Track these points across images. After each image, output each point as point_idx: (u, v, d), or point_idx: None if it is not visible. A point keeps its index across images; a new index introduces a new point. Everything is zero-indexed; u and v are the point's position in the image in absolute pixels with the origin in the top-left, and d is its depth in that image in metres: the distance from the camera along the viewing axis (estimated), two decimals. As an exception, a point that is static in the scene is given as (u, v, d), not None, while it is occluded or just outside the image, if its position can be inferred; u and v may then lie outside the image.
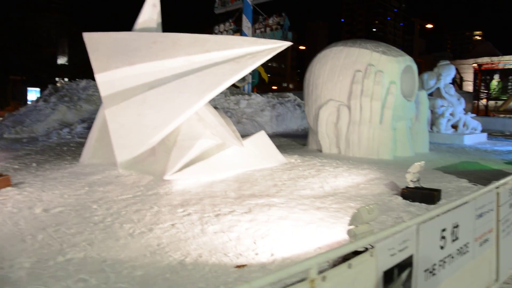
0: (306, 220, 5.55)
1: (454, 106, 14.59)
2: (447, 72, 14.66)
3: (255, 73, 19.55)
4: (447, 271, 2.81)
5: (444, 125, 14.44)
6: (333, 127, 11.70)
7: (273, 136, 15.74)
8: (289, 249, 4.62)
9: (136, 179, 7.82)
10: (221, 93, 17.59)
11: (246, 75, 19.33)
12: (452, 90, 14.77)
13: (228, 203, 6.48)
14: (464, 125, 14.94)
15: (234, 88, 19.05)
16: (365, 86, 11.16)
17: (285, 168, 8.69)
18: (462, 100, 14.80)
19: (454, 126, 15.21)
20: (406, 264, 2.41)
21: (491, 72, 38.93)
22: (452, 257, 2.85)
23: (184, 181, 7.50)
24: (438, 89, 14.93)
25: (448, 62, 15.24)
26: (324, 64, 11.98)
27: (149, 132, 8.07)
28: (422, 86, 15.14)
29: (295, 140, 14.53)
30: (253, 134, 9.13)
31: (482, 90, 37.84)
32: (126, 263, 4.25)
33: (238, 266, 4.13)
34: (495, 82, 39.20)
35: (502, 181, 3.58)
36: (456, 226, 2.85)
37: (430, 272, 2.63)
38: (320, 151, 11.99)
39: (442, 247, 2.72)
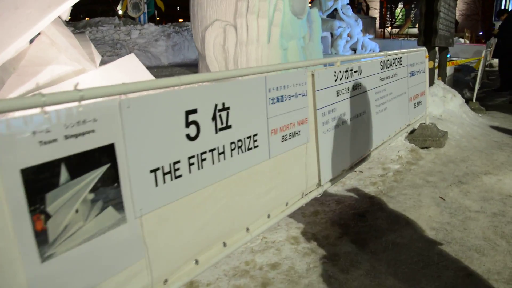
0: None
1: (352, 27, 13.92)
2: (344, -8, 13.85)
3: (150, 2, 17.59)
4: (215, 172, 1.89)
5: (342, 46, 13.81)
6: (221, 49, 10.55)
7: (168, 67, 14.35)
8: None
9: (-30, 113, 6.35)
10: (111, 23, 15.61)
11: (141, 5, 17.33)
12: (349, 11, 14.03)
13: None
14: (363, 47, 14.41)
15: (130, 20, 17.10)
16: (251, 3, 10.00)
17: (155, 92, 7.55)
18: (360, 21, 14.16)
19: (354, 49, 14.66)
20: (98, 159, 1.43)
21: (395, 0, 39.04)
22: (221, 153, 1.92)
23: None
24: (336, 10, 14.14)
25: (345, -18, 14.36)
26: (208, -19, 10.55)
27: (-21, 56, 6.45)
28: (320, 7, 14.27)
29: (189, 69, 13.26)
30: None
31: (387, 19, 38.10)
32: None
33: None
34: (399, 9, 39.54)
35: (323, 60, 2.69)
36: (224, 109, 1.90)
37: (167, 173, 1.68)
38: (210, 77, 10.86)
39: (191, 137, 1.76)
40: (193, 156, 1.78)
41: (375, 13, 37.95)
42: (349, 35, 14.01)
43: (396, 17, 38.29)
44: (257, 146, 2.12)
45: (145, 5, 16.96)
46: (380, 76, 3.56)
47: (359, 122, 3.18)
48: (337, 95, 2.81)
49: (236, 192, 2.05)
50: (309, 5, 11.64)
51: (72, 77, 7.44)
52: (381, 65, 3.58)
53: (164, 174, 1.67)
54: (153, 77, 9.32)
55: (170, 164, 1.69)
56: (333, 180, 2.85)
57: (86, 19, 17.80)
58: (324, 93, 2.63)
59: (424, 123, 4.99)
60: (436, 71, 6.81)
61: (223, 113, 1.90)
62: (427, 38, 5.82)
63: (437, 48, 6.42)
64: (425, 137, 4.87)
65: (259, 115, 2.13)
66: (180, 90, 1.71)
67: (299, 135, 2.44)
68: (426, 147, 4.89)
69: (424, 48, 4.76)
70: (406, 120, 4.38)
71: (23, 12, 6.94)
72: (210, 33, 10.41)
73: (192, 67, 14.01)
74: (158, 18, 29.24)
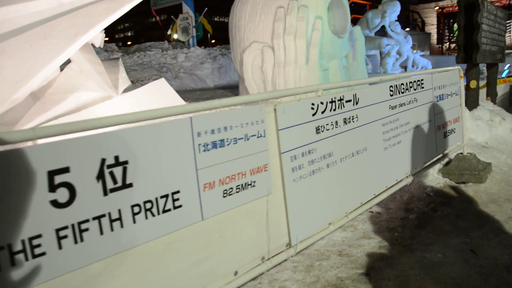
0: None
1: (401, 45, 13.02)
2: (392, 8, 13.02)
3: (198, 25, 17.74)
4: (106, 244, 1.43)
5: (390, 64, 12.93)
6: (259, 71, 10.22)
7: (213, 89, 14.24)
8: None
9: None
10: (160, 48, 15.87)
11: (190, 29, 17.52)
12: (398, 27, 13.15)
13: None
14: (413, 64, 13.44)
15: (180, 43, 17.31)
16: (288, 23, 9.62)
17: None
18: (410, 38, 13.22)
19: (404, 67, 13.73)
20: None
21: (453, 15, 36.53)
22: (116, 220, 1.46)
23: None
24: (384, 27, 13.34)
25: (393, -2, 13.55)
26: (245, 4, 10.34)
27: (10, 87, 6.52)
28: (367, 25, 13.57)
29: (232, 91, 13.04)
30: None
31: (445, 34, 35.96)
32: None
33: None
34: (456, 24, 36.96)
35: (293, 90, 2.19)
36: (119, 164, 1.45)
37: (19, 252, 1.25)
38: (249, 99, 10.51)
39: (60, 204, 1.33)
40: (64, 227, 1.34)
41: (432, 28, 35.83)
42: (399, 53, 13.12)
43: (454, 32, 35.91)
44: (179, 206, 1.64)
45: (194, 29, 17.13)
46: (390, 104, 2.95)
47: (356, 162, 2.59)
48: (318, 132, 2.26)
49: (147, 266, 1.57)
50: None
51: (99, 103, 7.29)
52: (391, 91, 2.97)
53: (13, 254, 1.24)
54: (183, 102, 9.07)
55: (23, 241, 1.26)
56: (313, 237, 2.28)
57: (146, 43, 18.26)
58: (293, 131, 2.10)
59: (461, 153, 4.22)
60: (485, 90, 5.93)
61: (117, 169, 1.45)
62: (467, 54, 5.04)
63: (482, 65, 5.59)
64: (461, 170, 4.09)
65: (183, 166, 1.65)
66: (37, 146, 1.29)
67: (253, 186, 1.93)
68: (463, 182, 4.11)
69: (457, 67, 4.03)
70: (433, 152, 3.67)
71: (50, 41, 6.92)
72: (248, 55, 10.14)
73: (235, 88, 13.80)
74: (213, 41, 29.76)
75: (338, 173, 2.43)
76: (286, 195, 2.08)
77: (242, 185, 1.88)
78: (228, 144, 1.80)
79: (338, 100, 2.40)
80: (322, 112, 2.28)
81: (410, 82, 3.20)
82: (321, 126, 2.28)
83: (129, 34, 50.20)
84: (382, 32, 14.38)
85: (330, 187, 2.38)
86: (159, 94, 8.12)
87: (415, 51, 13.59)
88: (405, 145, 3.14)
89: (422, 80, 3.37)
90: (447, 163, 4.24)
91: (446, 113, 3.82)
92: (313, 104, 2.22)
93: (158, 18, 20.25)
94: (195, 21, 17.25)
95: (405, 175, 3.16)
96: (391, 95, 2.96)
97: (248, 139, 1.88)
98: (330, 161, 2.35)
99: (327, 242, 3.20)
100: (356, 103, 2.54)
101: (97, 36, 7.01)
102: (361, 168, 2.64)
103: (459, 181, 4.11)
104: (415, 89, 3.27)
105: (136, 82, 12.74)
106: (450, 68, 3.97)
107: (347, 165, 2.50)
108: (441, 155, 3.75)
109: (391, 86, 2.95)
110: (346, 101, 2.47)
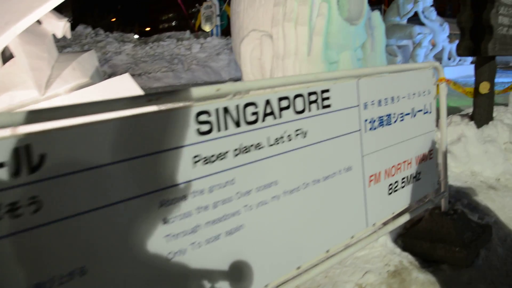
0: None
1: (435, 34, 10.67)
2: (427, -8, 10.71)
3: (223, 14, 16.05)
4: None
5: (421, 56, 10.65)
6: (258, 63, 8.54)
7: (226, 82, 12.75)
8: None
9: None
10: (178, 37, 14.56)
11: (213, 18, 16.00)
12: (433, 14, 10.78)
13: None
14: (450, 56, 11.04)
15: (205, 33, 15.83)
16: (288, 8, 7.80)
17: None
18: (446, 26, 10.81)
19: (439, 58, 11.38)
20: None
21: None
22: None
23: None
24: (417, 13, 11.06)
25: (427, -20, 11.19)
26: (244, -14, 8.64)
27: None
28: (398, 12, 11.33)
29: (242, 85, 11.45)
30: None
31: None
32: None
33: None
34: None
35: None
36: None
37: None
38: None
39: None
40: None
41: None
42: (433, 43, 10.79)
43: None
44: None
45: (218, 18, 15.58)
46: (195, 154, 1.26)
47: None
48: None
49: None
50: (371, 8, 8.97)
51: (40, 102, 5.77)
52: (202, 122, 1.28)
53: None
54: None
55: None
56: None
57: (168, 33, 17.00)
58: None
59: (439, 209, 2.39)
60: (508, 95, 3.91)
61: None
62: (476, 42, 3.11)
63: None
64: (434, 239, 2.27)
65: None
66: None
67: None
68: (435, 262, 2.28)
69: (429, 64, 2.19)
70: (357, 227, 1.90)
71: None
72: (246, 45, 8.44)
73: (250, 82, 12.22)
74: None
75: None
76: None
77: None
78: None
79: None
80: None
81: (282, 99, 1.47)
82: None
83: (173, 24, 49.09)
84: (418, 20, 12.04)
85: None
86: (119, 91, 6.51)
87: (452, 41, 11.16)
88: (252, 232, 1.44)
89: (324, 92, 1.61)
90: (415, 224, 2.43)
91: (396, 150, 2.01)
92: None
93: (183, 7, 18.86)
94: (219, 9, 15.71)
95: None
96: (202, 133, 1.26)
97: None
98: None
99: None
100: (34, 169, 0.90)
101: (58, 26, 5.37)
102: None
103: (428, 259, 2.29)
104: (299, 112, 1.54)
105: (143, 75, 11.51)
106: (411, 65, 2.13)
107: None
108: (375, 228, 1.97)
109: (200, 114, 1.25)
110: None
